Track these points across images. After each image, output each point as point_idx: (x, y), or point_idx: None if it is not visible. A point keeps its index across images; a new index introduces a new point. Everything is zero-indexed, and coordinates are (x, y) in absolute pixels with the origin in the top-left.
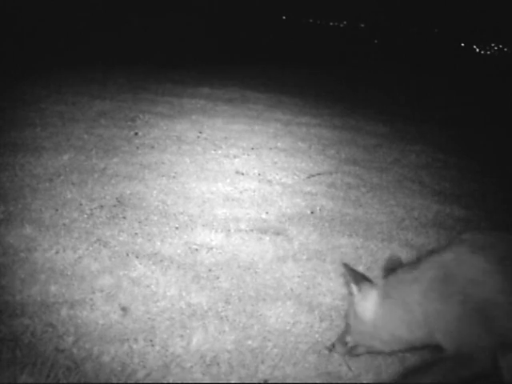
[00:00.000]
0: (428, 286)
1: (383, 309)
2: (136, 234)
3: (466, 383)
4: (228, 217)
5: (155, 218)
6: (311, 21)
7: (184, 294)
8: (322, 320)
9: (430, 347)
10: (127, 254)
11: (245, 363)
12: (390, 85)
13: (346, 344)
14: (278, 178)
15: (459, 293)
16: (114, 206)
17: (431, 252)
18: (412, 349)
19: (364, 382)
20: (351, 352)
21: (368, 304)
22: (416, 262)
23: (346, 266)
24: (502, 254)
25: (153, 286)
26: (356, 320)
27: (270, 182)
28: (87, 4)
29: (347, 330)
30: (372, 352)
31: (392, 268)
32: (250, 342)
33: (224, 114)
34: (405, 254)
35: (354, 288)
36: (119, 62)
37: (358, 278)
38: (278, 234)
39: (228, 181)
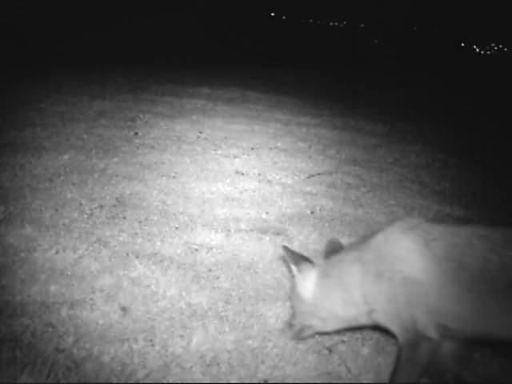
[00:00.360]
0: (364, 268)
1: (322, 288)
2: (136, 233)
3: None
4: (228, 217)
5: (155, 218)
6: (311, 21)
7: (184, 293)
8: None
9: (372, 327)
10: (127, 254)
11: (245, 363)
12: (390, 85)
13: (293, 327)
14: (278, 177)
15: (388, 270)
16: (114, 205)
17: (369, 235)
18: (353, 328)
19: (364, 381)
20: (299, 335)
21: (307, 283)
22: (355, 244)
23: (285, 247)
24: (431, 237)
25: (153, 286)
26: (298, 300)
27: (269, 181)
28: (87, 4)
29: (292, 312)
30: (316, 332)
31: (332, 250)
32: (250, 342)
33: (224, 114)
34: None
35: (294, 269)
36: (119, 62)
37: (297, 258)
38: (278, 233)
39: (228, 181)
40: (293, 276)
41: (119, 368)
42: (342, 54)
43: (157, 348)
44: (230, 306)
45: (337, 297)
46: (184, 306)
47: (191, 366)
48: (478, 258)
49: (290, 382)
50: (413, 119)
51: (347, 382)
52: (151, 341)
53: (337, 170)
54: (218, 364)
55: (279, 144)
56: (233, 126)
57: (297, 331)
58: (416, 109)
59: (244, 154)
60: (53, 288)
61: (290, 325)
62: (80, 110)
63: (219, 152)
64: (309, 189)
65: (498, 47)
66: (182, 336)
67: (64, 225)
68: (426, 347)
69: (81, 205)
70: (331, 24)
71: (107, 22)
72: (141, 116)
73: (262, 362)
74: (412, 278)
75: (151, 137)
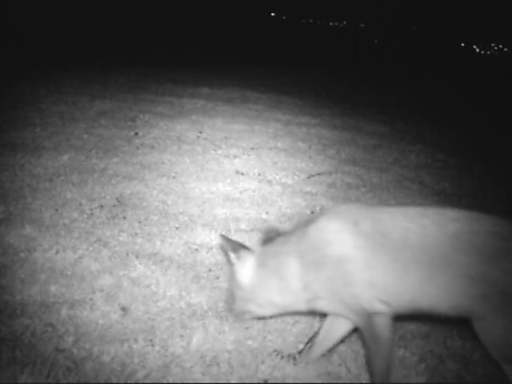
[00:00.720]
0: (300, 259)
1: (259, 276)
2: (136, 233)
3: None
4: (228, 217)
5: (155, 218)
6: (311, 21)
7: (184, 294)
8: (322, 320)
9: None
10: (127, 254)
11: (245, 363)
12: (391, 85)
13: (232, 311)
14: (278, 177)
15: (321, 256)
16: (114, 205)
17: (302, 224)
18: (291, 313)
19: (364, 381)
20: (238, 318)
21: (246, 270)
22: (289, 235)
23: (223, 236)
24: (357, 217)
25: (153, 286)
26: (236, 287)
27: (269, 181)
28: (87, 4)
29: (232, 298)
30: (254, 317)
31: (269, 238)
32: (250, 342)
33: (224, 114)
34: None
35: (233, 256)
36: (119, 62)
37: (235, 246)
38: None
39: (228, 181)
40: (231, 264)
41: (119, 368)
42: (342, 53)
43: (157, 348)
44: None
45: (274, 285)
46: (184, 306)
47: (191, 366)
48: (400, 229)
49: (290, 381)
50: (413, 119)
51: (347, 381)
52: (151, 341)
53: (337, 170)
54: (217, 364)
55: (279, 144)
56: (233, 126)
57: (237, 315)
58: (416, 109)
59: (244, 154)
60: (53, 288)
61: (230, 309)
62: (80, 109)
63: (219, 152)
64: (309, 189)
65: (498, 47)
66: (181, 336)
67: (64, 225)
68: (380, 321)
69: (81, 205)
70: (331, 24)
71: (107, 21)
72: (141, 116)
73: (262, 362)
74: (344, 257)
75: (151, 137)
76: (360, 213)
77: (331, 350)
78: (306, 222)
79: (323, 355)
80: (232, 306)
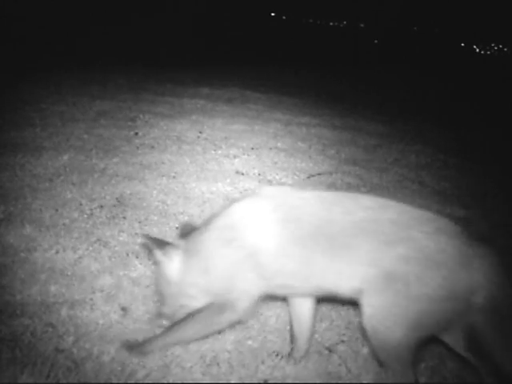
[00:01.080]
0: (215, 235)
1: (186, 265)
2: (136, 234)
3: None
4: None
5: (155, 218)
6: (311, 21)
7: None
8: (321, 320)
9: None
10: (127, 254)
11: (245, 363)
12: (391, 85)
13: (163, 315)
14: (278, 178)
15: (238, 239)
16: (114, 206)
17: (228, 205)
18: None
19: (364, 381)
20: (171, 320)
21: (174, 264)
22: (213, 218)
23: (145, 236)
24: (277, 203)
25: (153, 286)
26: (167, 284)
27: (270, 182)
28: (87, 4)
29: (161, 300)
30: (188, 312)
31: (187, 231)
32: (250, 342)
33: (224, 114)
34: None
35: (159, 253)
36: (119, 62)
37: (160, 243)
38: None
39: (228, 181)
40: (157, 262)
41: (119, 368)
42: (342, 53)
43: None
44: None
45: (198, 268)
46: None
47: (191, 366)
48: (313, 217)
49: (290, 381)
50: (413, 119)
51: (347, 381)
52: None
53: (337, 170)
54: (217, 364)
55: (279, 144)
56: (233, 126)
57: (169, 317)
58: (416, 109)
59: (244, 154)
60: (53, 288)
61: (160, 315)
62: (80, 110)
63: (219, 152)
64: (309, 189)
65: (498, 47)
66: None
67: (64, 225)
68: (230, 314)
69: (81, 205)
70: (331, 24)
71: (107, 21)
72: (141, 116)
73: (262, 362)
74: (257, 245)
75: (151, 137)
76: (281, 198)
77: (313, 339)
78: (230, 205)
79: (309, 347)
80: (162, 310)
